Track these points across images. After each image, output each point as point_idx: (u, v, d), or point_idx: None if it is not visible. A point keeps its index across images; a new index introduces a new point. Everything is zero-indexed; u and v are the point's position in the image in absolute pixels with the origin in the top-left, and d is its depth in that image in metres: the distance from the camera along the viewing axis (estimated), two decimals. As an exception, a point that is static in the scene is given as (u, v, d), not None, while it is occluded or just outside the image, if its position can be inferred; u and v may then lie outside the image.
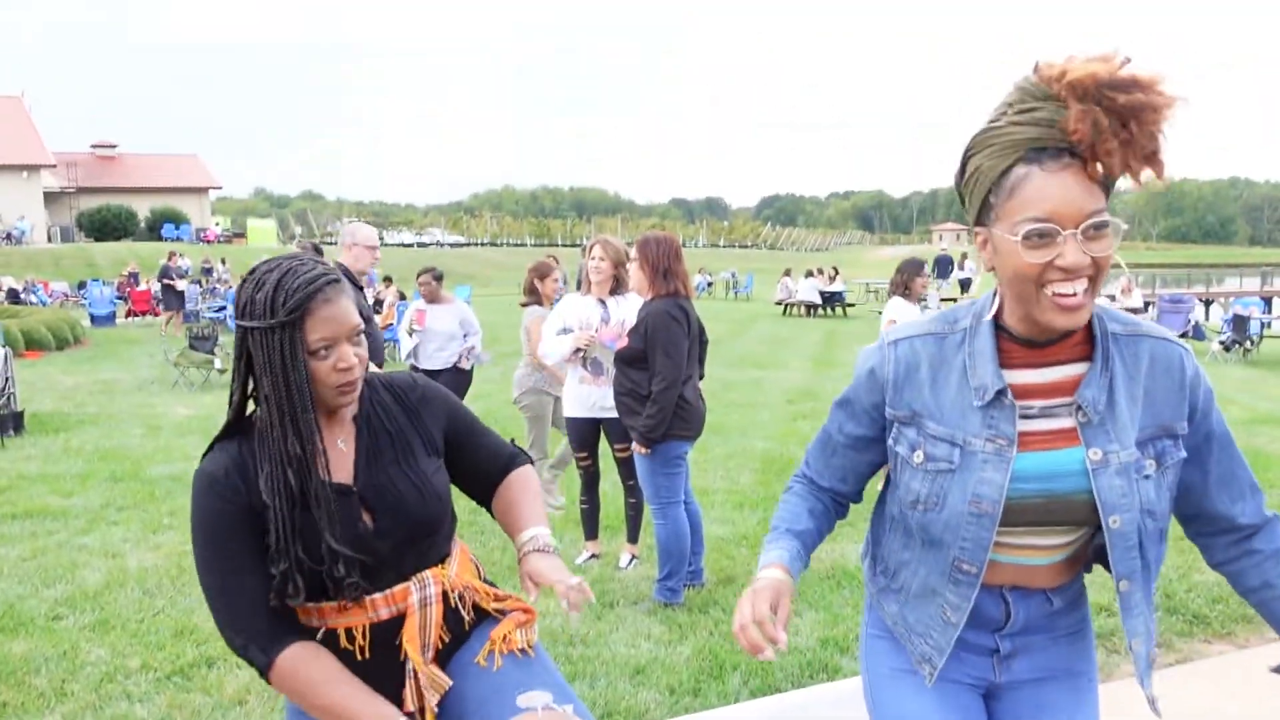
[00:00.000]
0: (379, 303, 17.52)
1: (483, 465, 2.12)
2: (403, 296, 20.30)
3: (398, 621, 1.88)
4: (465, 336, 7.61)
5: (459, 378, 7.53)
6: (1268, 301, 25.46)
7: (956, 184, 1.62)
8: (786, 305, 28.35)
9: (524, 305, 6.80)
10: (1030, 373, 1.63)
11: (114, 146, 59.30)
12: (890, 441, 1.75)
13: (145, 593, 5.12)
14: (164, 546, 5.95)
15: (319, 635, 1.85)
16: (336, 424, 1.92)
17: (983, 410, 1.62)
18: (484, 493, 2.15)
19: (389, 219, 76.08)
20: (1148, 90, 1.43)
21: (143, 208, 51.30)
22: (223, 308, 23.25)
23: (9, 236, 43.70)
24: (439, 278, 7.74)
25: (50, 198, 50.55)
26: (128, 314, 26.61)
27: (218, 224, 56.06)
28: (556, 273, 6.93)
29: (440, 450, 2.04)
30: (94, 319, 24.34)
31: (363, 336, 1.85)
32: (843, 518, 1.94)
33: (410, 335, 7.56)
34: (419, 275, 7.74)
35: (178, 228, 49.97)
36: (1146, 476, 1.61)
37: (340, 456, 1.90)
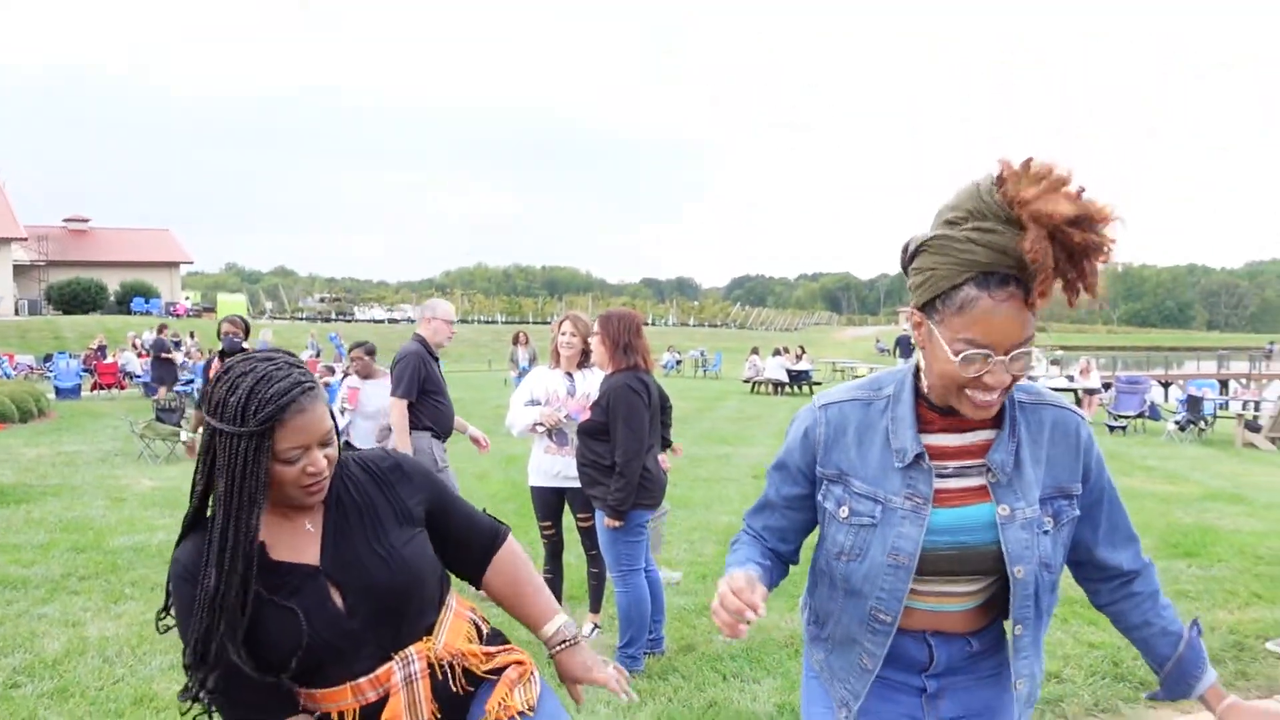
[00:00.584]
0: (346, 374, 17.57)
1: (465, 538, 2.08)
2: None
3: (381, 706, 1.86)
4: None
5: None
6: (1223, 384, 25.99)
7: (903, 262, 1.75)
8: (754, 383, 28.61)
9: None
10: (947, 436, 1.79)
11: (86, 220, 59.39)
12: (820, 498, 1.89)
13: (105, 661, 5.11)
14: (125, 615, 5.93)
15: (315, 717, 1.86)
16: (304, 509, 1.90)
17: (903, 471, 1.78)
18: (473, 570, 2.11)
19: (360, 295, 76.26)
20: (1100, 229, 1.54)
21: (113, 281, 51.21)
22: (190, 381, 23.17)
23: (-25, 309, 43.34)
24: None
25: (19, 270, 50.41)
26: (93, 387, 26.43)
27: (188, 298, 56.02)
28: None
29: (417, 519, 1.99)
30: (59, 391, 24.16)
31: (333, 437, 1.85)
32: (784, 575, 2.05)
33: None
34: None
35: (147, 301, 49.88)
36: (1045, 532, 1.78)
37: (307, 539, 1.88)
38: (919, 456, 1.77)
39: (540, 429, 5.38)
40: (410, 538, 1.95)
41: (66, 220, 58.77)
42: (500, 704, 1.95)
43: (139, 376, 26.15)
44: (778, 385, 27.59)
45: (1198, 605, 6.23)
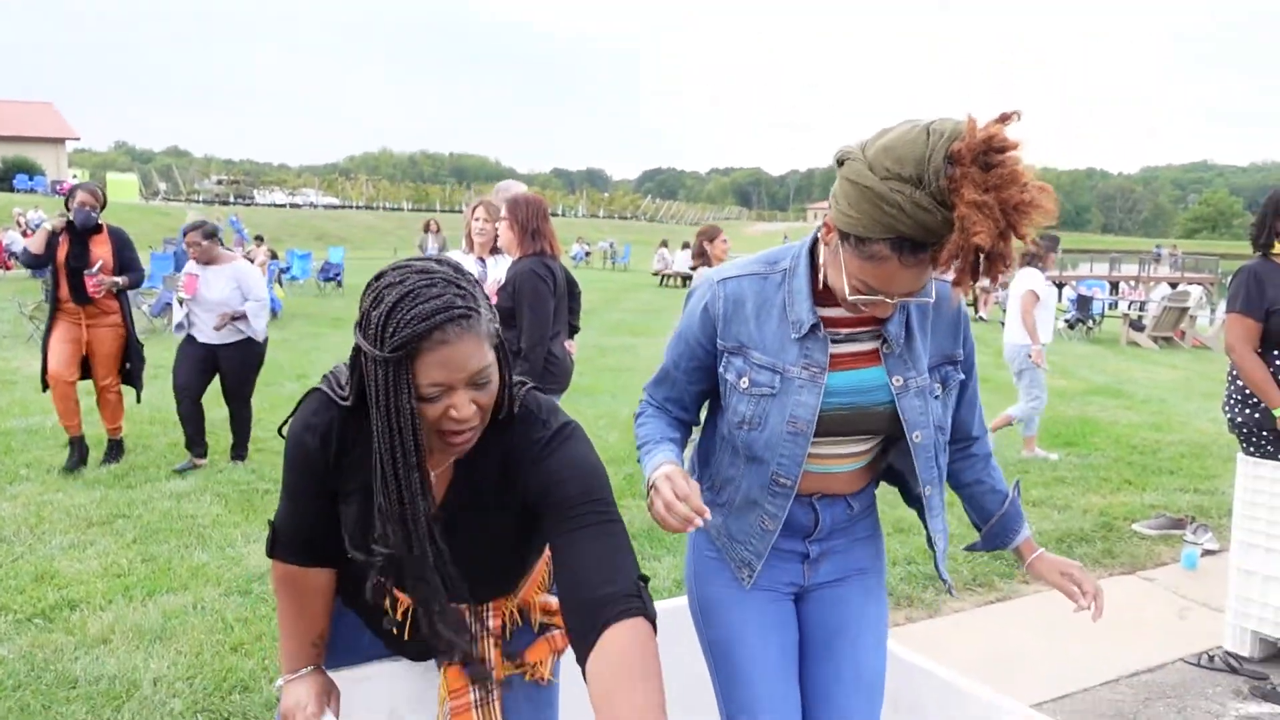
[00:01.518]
0: (249, 261, 17.12)
1: (582, 582, 1.53)
2: (274, 255, 19.89)
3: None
4: (245, 302, 6.46)
5: (246, 353, 6.62)
6: (1113, 285, 26.95)
7: (837, 163, 1.70)
8: (663, 276, 28.72)
9: (693, 269, 6.89)
10: (840, 310, 1.86)
11: (-40, 90, 55.75)
12: (721, 369, 1.95)
13: (3, 540, 5.05)
14: (21, 497, 5.84)
15: (367, 589, 1.72)
16: (438, 454, 1.71)
17: (799, 342, 1.86)
18: (578, 627, 1.51)
19: (260, 178, 73.74)
20: (1008, 255, 1.56)
21: (-8, 157, 48.49)
22: (81, 263, 22.27)
23: None
24: (211, 234, 6.47)
25: (-112, 142, 47.34)
26: (-24, 267, 25.24)
27: (75, 176, 53.40)
28: (725, 235, 6.77)
29: (533, 519, 1.69)
30: (-62, 271, 23.04)
31: (490, 377, 1.57)
32: (689, 436, 2.09)
33: (180, 304, 6.55)
34: (186, 232, 6.48)
35: (31, 179, 47.44)
36: (935, 397, 1.92)
37: (440, 479, 1.75)
38: (814, 326, 1.84)
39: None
40: (527, 532, 1.78)
41: (-61, 90, 55.13)
42: (540, 662, 1.94)
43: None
44: (686, 278, 27.72)
45: (1072, 490, 6.61)
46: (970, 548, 2.22)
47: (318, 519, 1.76)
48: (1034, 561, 2.10)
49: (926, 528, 2.04)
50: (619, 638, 1.45)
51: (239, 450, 6.87)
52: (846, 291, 1.72)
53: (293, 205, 55.02)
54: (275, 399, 8.94)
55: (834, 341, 1.87)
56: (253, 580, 4.53)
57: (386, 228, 47.45)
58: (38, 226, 28.07)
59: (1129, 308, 18.99)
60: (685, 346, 2.00)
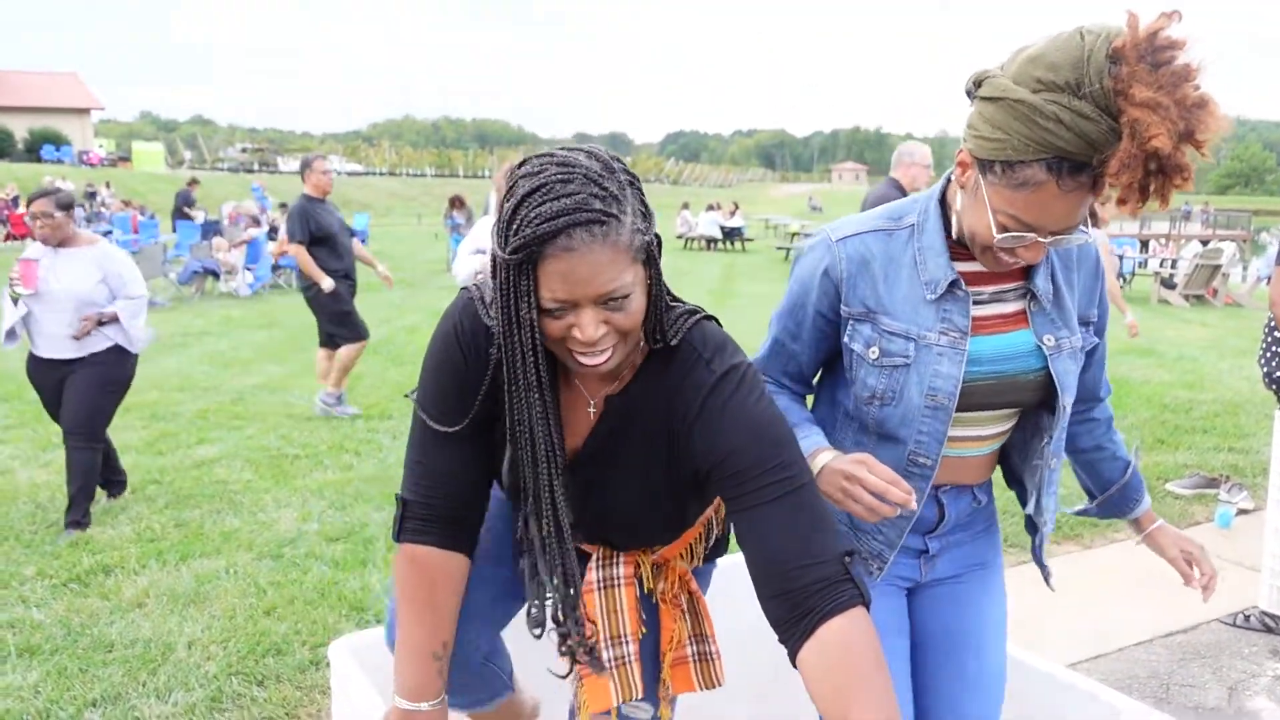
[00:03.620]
0: (274, 229, 17.19)
1: (780, 565, 1.36)
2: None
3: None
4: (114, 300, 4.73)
5: (111, 369, 4.77)
6: (1144, 243, 26.61)
7: (967, 90, 1.54)
8: (686, 239, 28.58)
9: None
10: (976, 264, 1.67)
11: (-14, 62, 56.12)
12: (845, 339, 1.73)
13: (38, 506, 5.11)
14: (54, 464, 5.89)
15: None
16: (596, 385, 1.54)
17: (935, 304, 1.65)
18: (783, 617, 1.36)
19: (284, 146, 73.84)
20: (1187, 167, 1.36)
21: (19, 128, 48.79)
22: (108, 232, 22.43)
23: (-128, 155, 41.16)
24: (66, 205, 4.67)
25: (-82, 115, 47.73)
26: (6, 237, 25.46)
27: (101, 146, 53.69)
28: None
29: (695, 484, 1.53)
30: (-30, 242, 23.25)
31: (627, 296, 1.33)
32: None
33: (15, 304, 4.70)
34: (30, 201, 4.72)
35: (58, 149, 47.70)
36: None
37: (579, 422, 1.56)
38: (953, 284, 1.64)
39: (480, 276, 5.43)
40: (684, 494, 1.58)
41: (-35, 61, 55.51)
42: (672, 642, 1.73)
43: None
44: (710, 241, 27.58)
45: (1105, 450, 6.53)
46: (1081, 512, 2.02)
47: (463, 465, 1.54)
48: (1154, 532, 1.94)
49: (1038, 507, 1.81)
50: (841, 632, 1.31)
51: (75, 514, 4.77)
52: (993, 230, 1.50)
53: (316, 172, 54.96)
54: (305, 364, 8.97)
55: (976, 302, 1.66)
56: (284, 545, 4.56)
57: (410, 194, 47.44)
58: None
59: (1160, 265, 18.72)
60: (802, 315, 1.77)
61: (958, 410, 1.67)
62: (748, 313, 12.58)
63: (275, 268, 15.91)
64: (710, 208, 29.85)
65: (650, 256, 1.38)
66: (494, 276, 1.37)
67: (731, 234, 27.77)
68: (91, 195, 32.14)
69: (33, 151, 47.38)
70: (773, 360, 1.85)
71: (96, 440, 4.85)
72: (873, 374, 1.69)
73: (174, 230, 20.25)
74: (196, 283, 14.79)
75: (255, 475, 5.70)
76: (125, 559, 4.38)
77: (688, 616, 1.76)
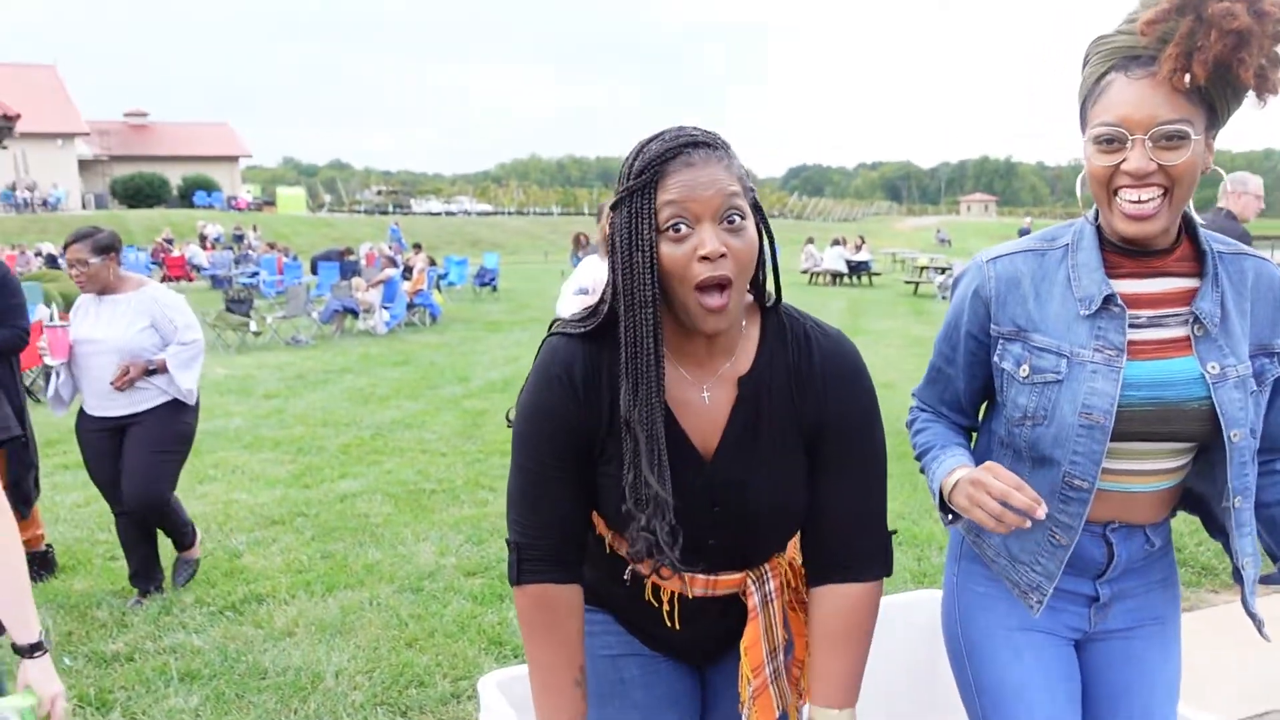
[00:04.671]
0: (409, 269, 17.77)
1: (838, 522, 1.57)
2: (432, 262, 20.56)
3: (715, 603, 1.65)
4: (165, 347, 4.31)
5: (168, 423, 4.32)
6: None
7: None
8: (812, 274, 28.37)
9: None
10: (1137, 282, 1.62)
11: (145, 115, 59.91)
12: (996, 359, 1.71)
13: (195, 537, 5.38)
14: (209, 496, 6.21)
15: (626, 573, 1.60)
16: (708, 363, 1.54)
17: (1089, 320, 1.60)
18: (818, 559, 1.60)
19: (416, 188, 76.29)
20: (1244, 10, 1.42)
21: (174, 175, 51.81)
22: (255, 273, 23.56)
23: (45, 203, 44.24)
24: (105, 249, 4.23)
25: (84, 166, 51.15)
26: (162, 279, 26.98)
27: (248, 191, 56.53)
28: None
29: (811, 452, 1.58)
30: (129, 284, 24.66)
31: (743, 216, 1.43)
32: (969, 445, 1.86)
33: (54, 375, 4.39)
34: (65, 247, 4.24)
35: (209, 195, 50.44)
36: (1253, 392, 1.61)
37: (705, 416, 1.54)
38: (1109, 299, 1.59)
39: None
40: (806, 471, 1.58)
41: (127, 114, 59.28)
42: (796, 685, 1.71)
43: (205, 269, 26.64)
44: (836, 276, 27.32)
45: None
46: (1266, 580, 1.80)
47: (571, 504, 1.55)
48: None
49: (1233, 553, 1.67)
50: (859, 596, 1.57)
51: (142, 582, 4.48)
52: (1093, 148, 1.53)
53: (448, 213, 56.77)
54: (438, 400, 9.23)
55: (1133, 326, 1.60)
56: (423, 578, 4.68)
57: (537, 232, 48.45)
58: (218, 240, 29.71)
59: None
60: (954, 338, 1.77)
61: (1116, 440, 1.60)
62: (876, 349, 12.41)
63: (410, 306, 16.43)
64: (835, 242, 29.59)
65: (757, 205, 1.49)
66: (612, 229, 1.45)
67: (858, 268, 27.46)
68: (239, 238, 33.85)
69: (185, 197, 50.20)
70: (930, 387, 1.85)
71: (154, 513, 4.35)
72: (1023, 392, 1.66)
73: (315, 272, 21.12)
74: (336, 321, 15.39)
75: (394, 509, 5.88)
76: (276, 589, 4.57)
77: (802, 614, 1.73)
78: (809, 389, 1.54)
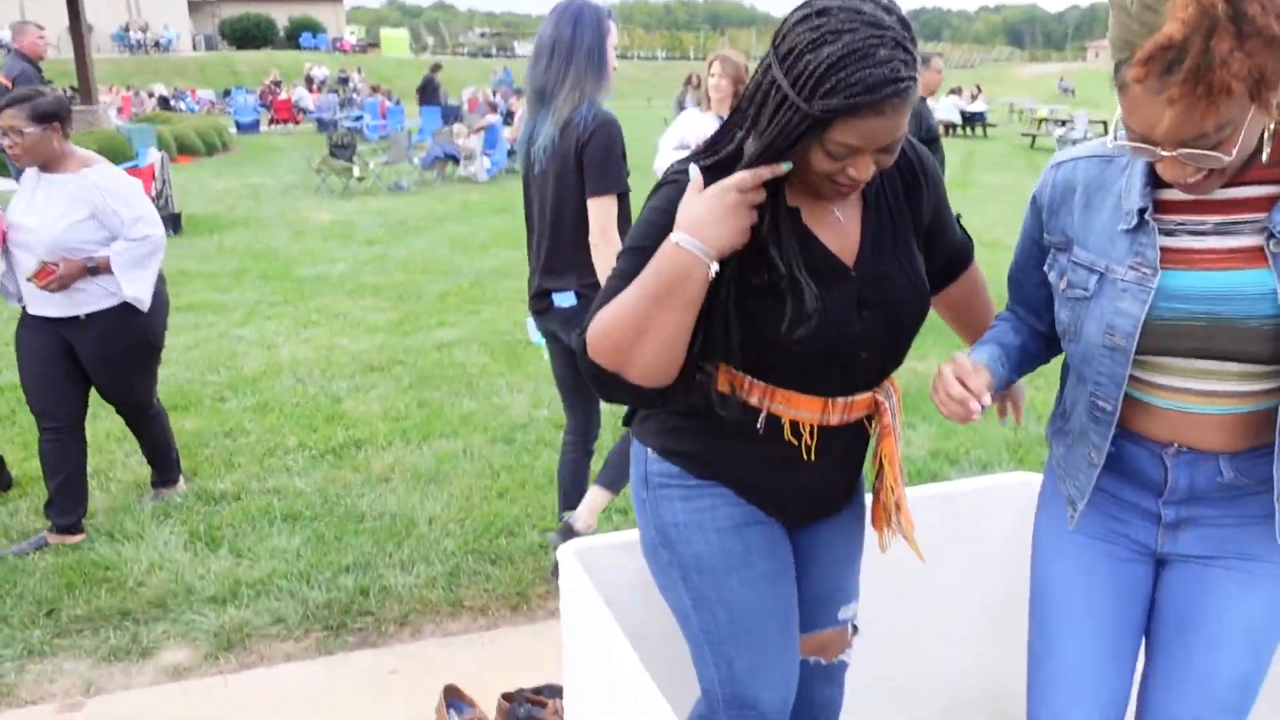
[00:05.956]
0: (510, 114, 17.62)
1: (945, 254, 1.81)
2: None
3: (846, 431, 1.67)
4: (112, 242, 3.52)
5: (118, 331, 3.62)
6: None
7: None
8: (925, 125, 27.28)
9: None
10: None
11: (251, -47, 59.71)
12: (1046, 268, 1.65)
13: (298, 380, 5.54)
14: (313, 340, 6.36)
15: (760, 419, 1.61)
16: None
17: (1130, 235, 1.47)
18: (943, 271, 1.84)
19: (520, 30, 75.10)
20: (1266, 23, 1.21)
21: (281, 16, 51.90)
22: (359, 117, 23.66)
23: (157, 44, 44.88)
24: (46, 116, 3.44)
25: (193, 7, 51.60)
26: (270, 122, 27.34)
27: (352, 33, 56.38)
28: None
29: (921, 234, 1.72)
30: (239, 126, 25.10)
31: (898, 146, 1.46)
32: (1045, 358, 1.80)
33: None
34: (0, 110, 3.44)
35: (315, 36, 50.47)
36: None
37: (838, 231, 1.59)
38: (1143, 212, 1.45)
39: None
40: (922, 260, 1.70)
41: (233, -47, 59.21)
42: (899, 515, 1.77)
43: (311, 112, 26.86)
44: (949, 126, 26.21)
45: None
46: None
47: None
48: None
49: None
50: (972, 272, 1.90)
51: (163, 474, 4.05)
52: (1126, 139, 1.37)
53: (551, 56, 55.72)
54: (507, 264, 9.16)
55: (1193, 233, 1.44)
56: (515, 429, 4.76)
57: (641, 76, 47.43)
58: (323, 83, 29.83)
59: None
60: (1021, 240, 1.72)
61: (1160, 353, 1.47)
62: (985, 205, 11.94)
63: (511, 152, 16.35)
64: (952, 91, 28.30)
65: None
66: (770, 108, 1.39)
67: (972, 119, 26.33)
68: (344, 80, 33.94)
69: (291, 39, 50.34)
70: (1010, 283, 1.79)
71: (146, 409, 3.91)
72: (1064, 307, 1.59)
73: (419, 115, 21.11)
74: (438, 167, 15.42)
75: (490, 359, 5.96)
76: (374, 435, 4.69)
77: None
78: (917, 190, 1.68)
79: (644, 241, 1.50)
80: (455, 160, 15.67)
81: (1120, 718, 1.66)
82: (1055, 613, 1.68)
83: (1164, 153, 1.32)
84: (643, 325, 1.45)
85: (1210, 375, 1.46)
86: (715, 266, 1.43)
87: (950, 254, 1.83)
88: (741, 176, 1.42)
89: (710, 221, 1.42)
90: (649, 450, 1.72)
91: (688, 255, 1.42)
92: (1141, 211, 1.46)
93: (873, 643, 2.18)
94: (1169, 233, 1.46)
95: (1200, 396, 1.48)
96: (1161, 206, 1.47)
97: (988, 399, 1.49)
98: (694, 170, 1.48)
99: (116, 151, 15.22)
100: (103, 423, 4.71)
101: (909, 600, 2.31)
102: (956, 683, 2.47)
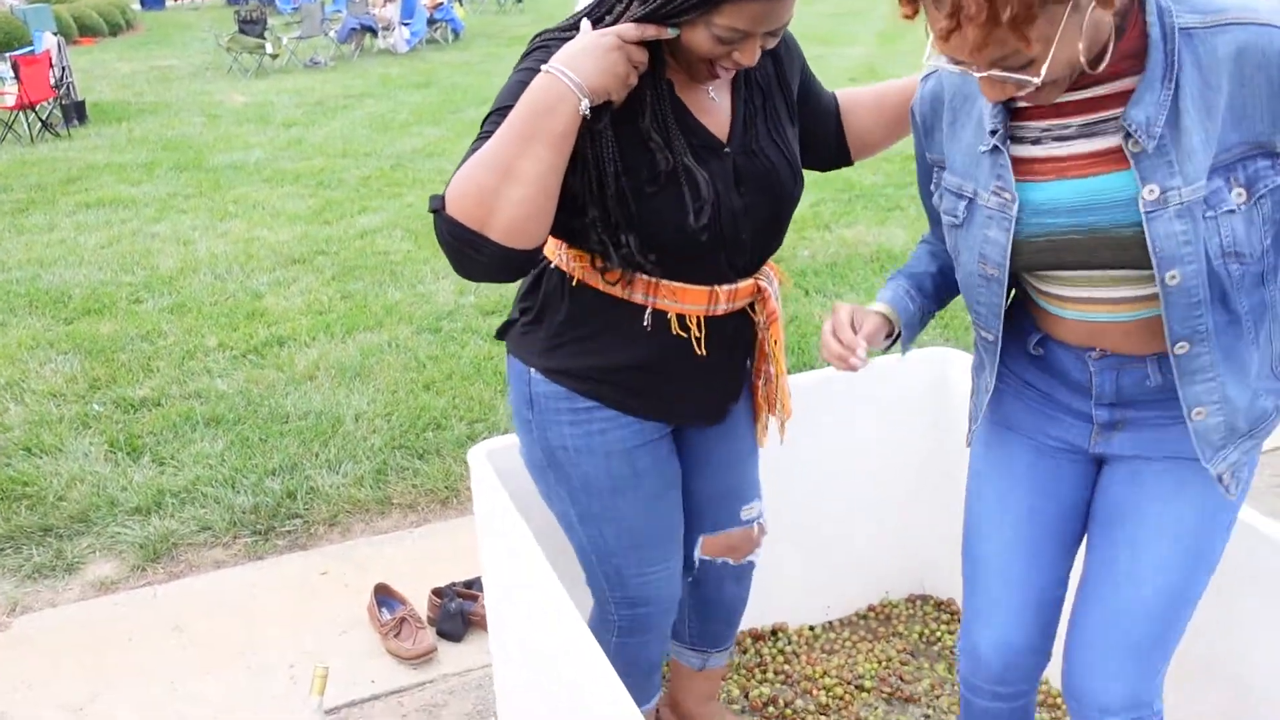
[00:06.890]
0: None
1: (825, 112, 1.77)
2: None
3: (731, 320, 1.67)
4: None
5: None
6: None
7: None
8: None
9: None
10: (1067, 92, 1.31)
11: None
12: (933, 187, 1.52)
13: (216, 277, 5.40)
14: (231, 234, 6.19)
15: (645, 316, 1.61)
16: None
17: (990, 156, 1.36)
18: (833, 155, 1.81)
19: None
20: None
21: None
22: (270, -12, 22.56)
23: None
24: None
25: None
26: (175, -4, 26.02)
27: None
28: None
29: (794, 109, 1.70)
30: (144, 2, 23.86)
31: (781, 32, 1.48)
32: None
33: None
34: None
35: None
36: (1230, 211, 1.26)
37: (713, 110, 1.57)
38: (994, 134, 1.34)
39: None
40: (795, 136, 1.68)
41: None
42: (782, 404, 1.82)
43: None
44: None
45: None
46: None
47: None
48: None
49: (1181, 396, 1.39)
50: (847, 98, 1.81)
51: None
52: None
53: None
54: (460, 125, 9.00)
55: (1060, 138, 1.32)
56: (441, 319, 4.70)
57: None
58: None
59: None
60: (917, 159, 1.58)
61: (1051, 269, 1.38)
62: (918, 59, 11.75)
63: (431, 22, 15.75)
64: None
65: None
66: None
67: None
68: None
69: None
70: (925, 208, 1.64)
71: None
72: (947, 234, 1.49)
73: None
74: (355, 40, 14.83)
75: (414, 245, 5.85)
76: (297, 331, 4.61)
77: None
78: (781, 62, 1.66)
79: (511, 101, 1.42)
80: (373, 32, 15.08)
81: (1050, 618, 1.62)
82: (976, 506, 1.64)
83: (976, 73, 1.21)
84: (509, 164, 1.36)
85: (1108, 283, 1.36)
86: (586, 105, 1.36)
87: (829, 109, 1.78)
88: (625, 26, 1.39)
89: (585, 57, 1.37)
90: (532, 371, 1.68)
91: (558, 84, 1.35)
92: (993, 133, 1.34)
93: (791, 530, 2.22)
94: (1035, 141, 1.34)
95: (1105, 305, 1.39)
96: (1024, 113, 1.35)
97: (862, 351, 1.43)
98: (585, 24, 1.44)
99: (10, 35, 14.43)
100: (14, 330, 4.59)
101: (826, 482, 2.36)
102: (879, 557, 2.54)
